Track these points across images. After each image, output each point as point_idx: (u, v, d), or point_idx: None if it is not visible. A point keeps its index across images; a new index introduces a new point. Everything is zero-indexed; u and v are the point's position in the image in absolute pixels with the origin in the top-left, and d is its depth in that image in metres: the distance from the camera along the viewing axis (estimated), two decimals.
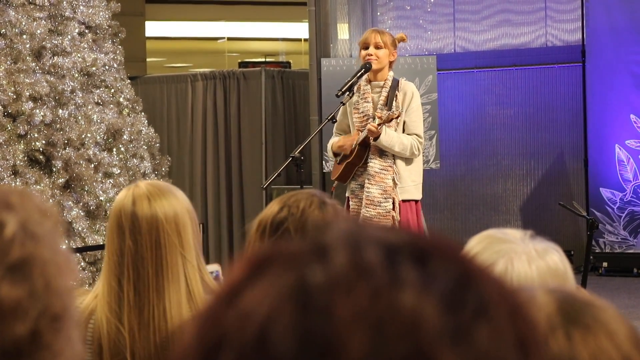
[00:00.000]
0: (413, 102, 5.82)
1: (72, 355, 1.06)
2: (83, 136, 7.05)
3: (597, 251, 9.17)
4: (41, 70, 7.02)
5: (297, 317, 0.63)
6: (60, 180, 6.83)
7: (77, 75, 7.28)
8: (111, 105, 7.55)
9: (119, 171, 7.32)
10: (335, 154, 5.99)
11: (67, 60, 7.19)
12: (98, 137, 7.22)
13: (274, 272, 0.66)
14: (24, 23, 6.99)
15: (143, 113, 7.96)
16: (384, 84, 5.85)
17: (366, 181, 5.77)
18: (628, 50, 9.17)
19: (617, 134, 9.20)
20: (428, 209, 8.14)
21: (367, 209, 5.74)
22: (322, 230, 0.68)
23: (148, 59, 11.98)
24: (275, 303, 0.64)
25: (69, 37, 7.30)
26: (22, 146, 6.74)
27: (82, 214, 6.92)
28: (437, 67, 9.35)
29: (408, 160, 5.83)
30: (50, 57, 7.11)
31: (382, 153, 5.77)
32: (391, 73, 5.89)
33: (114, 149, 7.39)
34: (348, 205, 5.90)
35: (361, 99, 5.89)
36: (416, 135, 5.78)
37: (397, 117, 5.67)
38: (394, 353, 0.61)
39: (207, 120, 10.64)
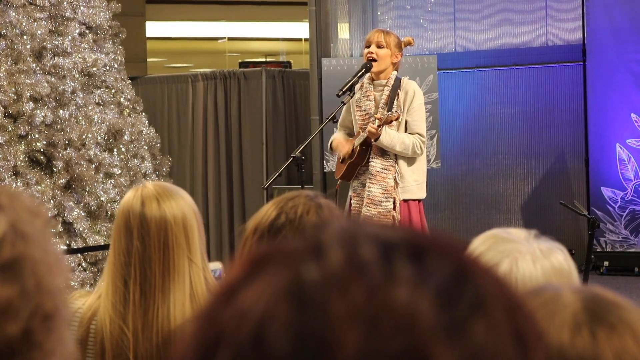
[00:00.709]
0: (415, 101, 5.81)
1: (64, 355, 1.06)
2: (84, 137, 7.05)
3: (598, 250, 9.16)
4: (42, 71, 7.02)
5: (292, 315, 0.63)
6: (61, 181, 6.83)
7: (77, 75, 7.28)
8: (112, 106, 7.54)
9: (119, 171, 7.32)
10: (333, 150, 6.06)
11: (67, 61, 7.19)
12: (99, 138, 7.22)
13: (270, 270, 0.66)
14: (24, 24, 6.98)
15: (144, 113, 7.95)
16: (387, 82, 5.84)
17: (368, 180, 5.77)
18: (629, 50, 9.16)
19: (618, 133, 9.19)
20: (429, 208, 8.13)
21: (368, 207, 5.74)
22: (318, 228, 0.68)
23: (148, 59, 11.98)
24: (271, 301, 0.64)
25: (70, 37, 7.29)
26: (23, 147, 6.74)
27: (83, 214, 6.91)
28: (437, 66, 9.34)
29: (410, 160, 5.81)
30: (51, 58, 7.11)
31: (384, 153, 5.76)
32: (394, 73, 5.89)
33: (115, 150, 7.38)
34: (350, 204, 5.90)
35: (363, 96, 5.89)
36: (418, 134, 5.77)
37: (396, 119, 5.66)
38: (389, 349, 0.61)
39: (207, 120, 10.64)
